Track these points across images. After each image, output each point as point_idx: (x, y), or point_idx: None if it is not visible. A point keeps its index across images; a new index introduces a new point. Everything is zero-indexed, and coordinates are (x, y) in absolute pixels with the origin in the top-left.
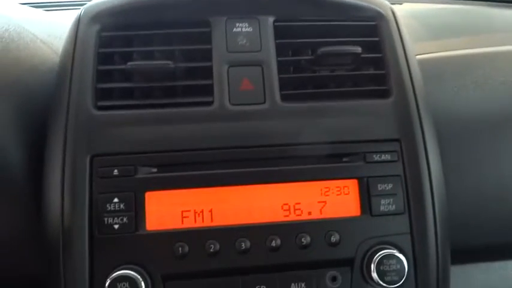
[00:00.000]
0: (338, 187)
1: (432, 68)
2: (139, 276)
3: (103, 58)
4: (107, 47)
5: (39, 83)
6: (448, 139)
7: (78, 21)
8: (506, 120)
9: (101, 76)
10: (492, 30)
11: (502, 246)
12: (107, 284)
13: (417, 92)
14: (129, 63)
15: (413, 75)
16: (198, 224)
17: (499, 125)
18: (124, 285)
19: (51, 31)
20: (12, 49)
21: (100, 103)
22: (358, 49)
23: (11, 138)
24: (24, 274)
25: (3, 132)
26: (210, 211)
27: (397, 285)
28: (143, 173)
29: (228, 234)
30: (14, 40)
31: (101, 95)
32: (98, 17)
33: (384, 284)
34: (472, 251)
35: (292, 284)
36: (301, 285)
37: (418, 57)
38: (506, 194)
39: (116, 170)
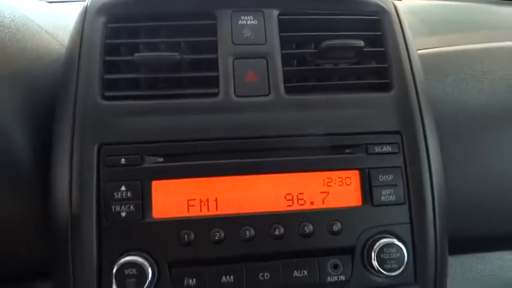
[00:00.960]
0: (340, 178)
1: (433, 62)
2: (146, 263)
3: (110, 49)
4: (114, 38)
5: (44, 73)
6: (449, 132)
7: (85, 13)
8: (505, 113)
9: (108, 67)
10: (491, 27)
11: (500, 237)
12: (114, 270)
13: (418, 85)
14: (136, 54)
15: (415, 69)
16: (204, 212)
17: (498, 118)
18: (131, 271)
19: (55, 22)
20: (18, 39)
21: (107, 93)
22: (361, 43)
23: (17, 124)
24: (29, 260)
25: (9, 118)
26: (215, 200)
27: (397, 273)
28: (150, 162)
29: (233, 222)
30: (20, 30)
31: (108, 85)
32: (104, 8)
33: (384, 272)
34: (470, 241)
35: (295, 271)
36: (303, 273)
37: (418, 52)
38: (504, 185)
39: (123, 159)
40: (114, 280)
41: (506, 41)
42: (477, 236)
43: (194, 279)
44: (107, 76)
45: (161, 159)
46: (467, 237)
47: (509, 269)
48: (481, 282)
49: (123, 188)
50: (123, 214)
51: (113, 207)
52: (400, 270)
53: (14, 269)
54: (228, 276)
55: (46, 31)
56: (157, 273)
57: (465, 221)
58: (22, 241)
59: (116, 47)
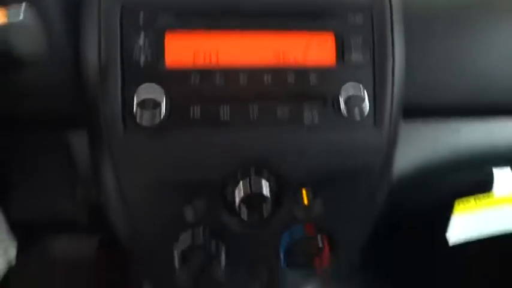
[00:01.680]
0: (319, 40)
1: None
2: (161, 99)
3: None
4: None
5: None
6: (416, 21)
7: None
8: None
9: None
10: None
11: (452, 106)
12: (135, 105)
13: None
14: None
15: None
16: (207, 61)
17: (466, 11)
18: (149, 104)
19: None
20: None
21: None
22: None
23: (56, 12)
24: (66, 112)
25: (51, 7)
26: (217, 53)
27: (360, 118)
28: (164, 18)
29: (232, 70)
30: None
31: None
32: None
33: (350, 116)
34: (425, 108)
35: (278, 112)
36: (284, 113)
37: None
38: (462, 70)
39: (141, 17)
40: (136, 112)
41: None
42: (433, 104)
43: (199, 112)
44: None
45: (173, 16)
46: (423, 104)
47: (461, 137)
48: (433, 147)
49: (141, 41)
50: (142, 62)
51: (134, 56)
52: (363, 116)
53: (52, 119)
54: (225, 110)
55: None
56: (169, 107)
57: (424, 91)
58: (59, 96)
59: None
